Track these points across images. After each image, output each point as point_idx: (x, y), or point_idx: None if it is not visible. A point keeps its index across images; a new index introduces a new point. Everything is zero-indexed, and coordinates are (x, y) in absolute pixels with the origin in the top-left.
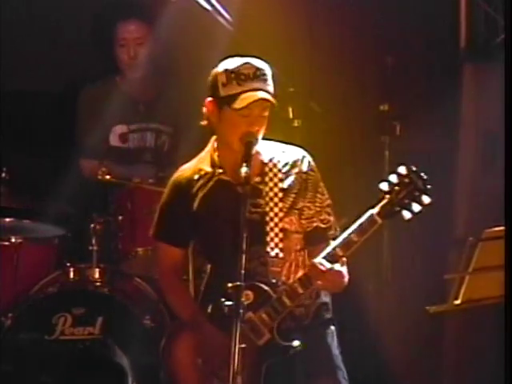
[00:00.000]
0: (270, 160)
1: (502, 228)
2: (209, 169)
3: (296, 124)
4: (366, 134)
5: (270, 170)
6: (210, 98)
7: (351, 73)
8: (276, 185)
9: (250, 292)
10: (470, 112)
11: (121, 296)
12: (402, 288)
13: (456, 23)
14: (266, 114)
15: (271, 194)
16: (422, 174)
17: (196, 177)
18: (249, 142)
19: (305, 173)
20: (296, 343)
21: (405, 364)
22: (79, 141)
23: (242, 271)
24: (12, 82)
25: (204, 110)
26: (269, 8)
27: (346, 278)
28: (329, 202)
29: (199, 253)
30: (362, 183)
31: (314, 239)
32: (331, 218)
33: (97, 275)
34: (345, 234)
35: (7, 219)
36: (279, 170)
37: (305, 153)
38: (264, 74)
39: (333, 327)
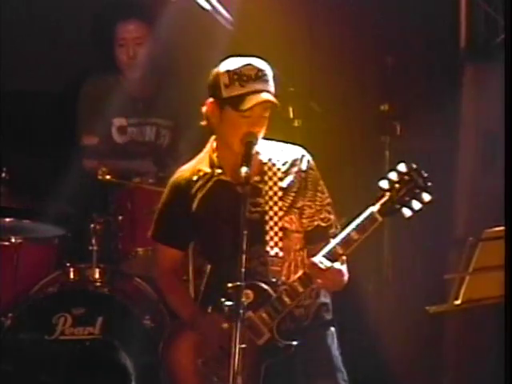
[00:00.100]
0: (269, 159)
1: (502, 228)
2: (208, 169)
3: (296, 124)
4: (366, 134)
5: (269, 169)
6: (211, 99)
7: (351, 73)
8: (275, 184)
9: (249, 291)
10: (470, 112)
11: (121, 296)
12: (402, 288)
13: (456, 23)
14: (267, 114)
15: (271, 192)
16: (423, 172)
17: (195, 178)
18: (249, 143)
19: (304, 171)
20: (296, 343)
21: (405, 364)
22: (79, 134)
23: (243, 270)
24: (12, 82)
25: (204, 110)
26: (269, 8)
27: (346, 277)
28: (329, 200)
29: (199, 253)
30: (362, 183)
31: (315, 238)
32: (332, 217)
33: (97, 275)
34: (345, 232)
35: (7, 219)
36: (278, 169)
37: (304, 152)
38: (265, 75)
39: (333, 328)
